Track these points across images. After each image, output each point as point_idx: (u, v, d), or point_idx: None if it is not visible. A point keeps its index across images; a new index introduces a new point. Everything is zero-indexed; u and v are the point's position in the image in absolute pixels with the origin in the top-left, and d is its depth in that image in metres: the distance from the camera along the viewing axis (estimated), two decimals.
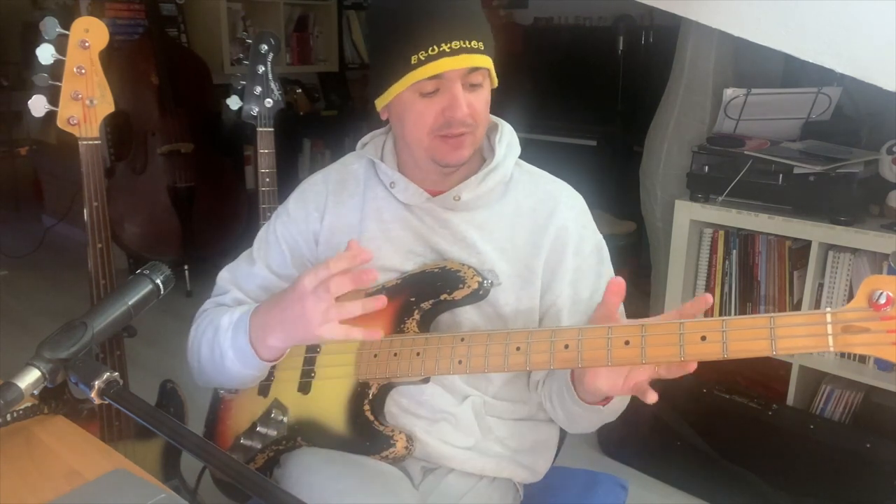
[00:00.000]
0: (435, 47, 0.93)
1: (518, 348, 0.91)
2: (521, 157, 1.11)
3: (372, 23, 1.07)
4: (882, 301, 0.73)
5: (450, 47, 0.93)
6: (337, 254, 0.92)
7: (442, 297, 1.01)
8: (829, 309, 0.76)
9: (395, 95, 0.99)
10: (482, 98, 0.99)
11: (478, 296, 1.01)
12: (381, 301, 0.89)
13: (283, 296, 0.95)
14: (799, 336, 0.76)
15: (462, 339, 0.96)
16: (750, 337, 0.77)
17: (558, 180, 1.13)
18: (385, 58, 0.99)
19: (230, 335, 1.02)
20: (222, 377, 1.06)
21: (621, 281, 0.87)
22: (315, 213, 1.12)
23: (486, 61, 0.97)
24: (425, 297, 1.02)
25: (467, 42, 0.94)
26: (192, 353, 1.10)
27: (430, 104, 0.97)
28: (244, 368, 1.02)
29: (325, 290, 0.88)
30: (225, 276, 1.16)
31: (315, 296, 0.89)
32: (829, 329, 0.75)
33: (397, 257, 1.07)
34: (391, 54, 0.97)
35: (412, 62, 0.94)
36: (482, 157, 1.11)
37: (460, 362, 0.95)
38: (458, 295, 1.01)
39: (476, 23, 0.97)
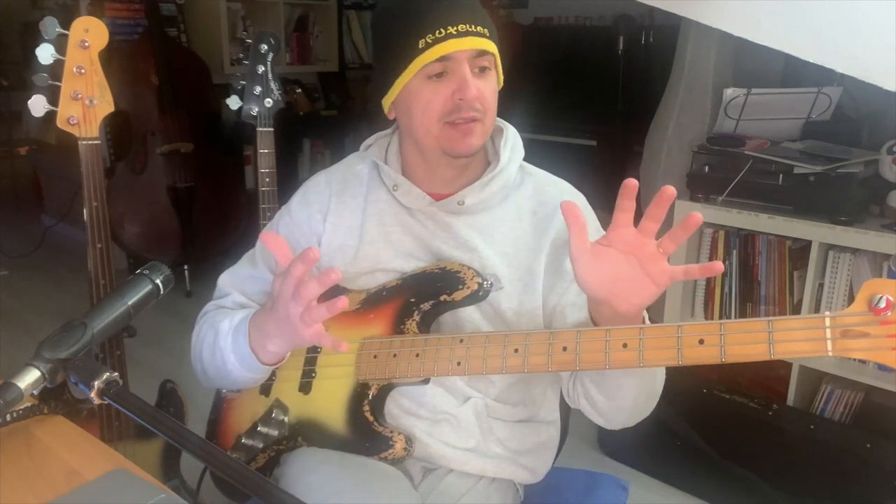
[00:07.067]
0: (442, 30, 0.95)
1: (516, 350, 0.91)
2: (522, 157, 1.11)
3: (378, 21, 1.08)
4: (882, 305, 0.71)
5: (456, 30, 0.95)
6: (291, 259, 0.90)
7: (441, 298, 1.01)
8: (828, 313, 0.75)
9: (403, 87, 1.00)
10: (490, 85, 1.00)
11: (477, 297, 1.01)
12: (343, 302, 0.86)
13: (273, 301, 0.95)
14: (797, 340, 0.75)
15: (461, 341, 0.95)
16: (747, 341, 0.77)
17: (560, 181, 1.13)
18: (392, 50, 1.00)
19: (230, 340, 1.02)
20: (226, 380, 1.06)
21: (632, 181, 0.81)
22: (318, 213, 1.12)
23: (493, 47, 0.99)
24: (425, 297, 1.02)
25: (473, 26, 0.96)
26: (195, 356, 1.10)
27: (439, 89, 0.98)
28: (247, 372, 1.02)
29: (299, 295, 0.88)
30: (226, 279, 1.16)
31: (294, 301, 0.89)
32: (828, 334, 0.74)
33: (398, 260, 1.07)
34: (398, 45, 0.98)
35: (419, 46, 0.96)
36: (486, 160, 1.11)
37: (459, 364, 0.95)
38: (457, 296, 1.01)
39: (480, 10, 0.99)
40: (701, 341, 0.79)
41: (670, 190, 0.79)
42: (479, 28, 0.97)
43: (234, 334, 1.02)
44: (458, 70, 0.97)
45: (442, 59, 0.96)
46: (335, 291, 1.11)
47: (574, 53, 3.55)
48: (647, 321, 0.93)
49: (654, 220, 0.82)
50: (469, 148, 1.01)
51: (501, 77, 1.05)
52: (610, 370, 0.92)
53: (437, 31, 0.95)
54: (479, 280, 1.00)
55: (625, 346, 0.83)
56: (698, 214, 0.79)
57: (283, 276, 0.90)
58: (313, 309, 0.88)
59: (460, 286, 1.00)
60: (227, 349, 1.02)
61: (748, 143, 2.09)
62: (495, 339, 0.93)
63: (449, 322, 1.05)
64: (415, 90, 0.99)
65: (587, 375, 1.00)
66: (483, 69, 0.99)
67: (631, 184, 0.81)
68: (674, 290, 2.24)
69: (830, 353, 0.74)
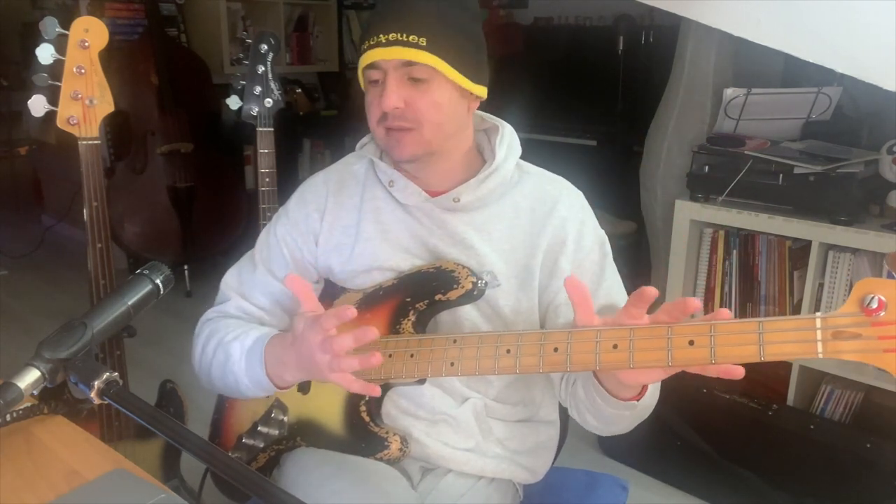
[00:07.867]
0: (374, 38, 0.96)
1: (508, 351, 0.90)
2: (521, 157, 1.11)
3: None
4: (874, 306, 0.70)
5: (386, 38, 0.95)
6: (325, 311, 0.90)
7: (436, 298, 1.01)
8: (819, 314, 0.74)
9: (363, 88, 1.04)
10: (428, 97, 0.97)
11: (472, 296, 1.01)
12: (377, 359, 0.86)
13: (296, 340, 0.94)
14: (788, 342, 0.74)
15: (454, 341, 0.95)
16: (738, 342, 0.76)
17: (558, 179, 1.12)
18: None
19: (244, 365, 1.02)
20: (237, 396, 1.07)
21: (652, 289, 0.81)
22: (315, 213, 1.12)
23: (427, 58, 0.95)
24: (420, 297, 1.02)
25: (404, 35, 0.95)
26: (202, 369, 1.10)
27: (374, 94, 1.00)
28: (260, 392, 1.03)
29: (329, 345, 0.88)
30: (228, 281, 1.16)
31: (321, 349, 0.88)
32: (819, 335, 0.72)
33: (395, 258, 1.07)
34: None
35: (361, 52, 0.99)
36: (483, 158, 1.11)
37: (452, 364, 0.94)
38: (452, 295, 1.00)
39: (422, 20, 0.96)
40: (691, 342, 0.78)
41: (695, 302, 0.77)
42: (411, 38, 0.94)
43: (248, 360, 1.01)
44: (384, 78, 0.97)
45: (370, 66, 0.97)
46: (334, 290, 1.11)
47: (574, 53, 3.55)
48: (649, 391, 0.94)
49: (672, 318, 0.81)
50: (402, 155, 1.01)
51: (470, 84, 1.00)
52: (607, 411, 0.94)
53: (372, 39, 0.96)
54: (474, 279, 1.00)
55: (615, 346, 0.82)
56: (653, 289, 0.78)
57: (305, 319, 0.90)
58: (343, 360, 0.87)
59: (455, 286, 1.00)
60: (241, 374, 1.02)
61: (748, 143, 2.09)
62: (488, 340, 0.93)
63: (448, 321, 1.05)
64: (364, 93, 1.02)
65: (583, 404, 1.00)
66: (416, 80, 0.97)
67: (650, 293, 0.80)
68: (674, 291, 2.24)
69: (821, 355, 0.72)
